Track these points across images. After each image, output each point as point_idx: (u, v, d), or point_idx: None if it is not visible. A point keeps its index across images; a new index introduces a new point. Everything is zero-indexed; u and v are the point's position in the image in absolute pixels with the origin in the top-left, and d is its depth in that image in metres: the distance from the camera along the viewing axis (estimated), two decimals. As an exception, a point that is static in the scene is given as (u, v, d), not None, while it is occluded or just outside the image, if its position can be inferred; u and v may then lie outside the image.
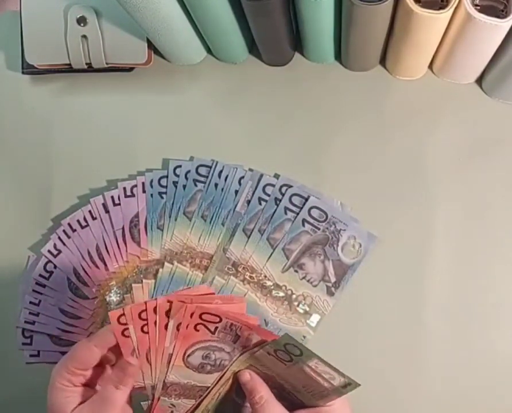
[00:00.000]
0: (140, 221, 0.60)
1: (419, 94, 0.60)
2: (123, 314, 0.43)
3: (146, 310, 0.43)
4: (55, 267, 0.60)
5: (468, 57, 0.55)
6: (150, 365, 0.46)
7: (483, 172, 0.58)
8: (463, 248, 0.57)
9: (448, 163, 0.59)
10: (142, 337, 0.44)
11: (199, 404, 0.48)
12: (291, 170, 0.59)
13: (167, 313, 0.43)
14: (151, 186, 0.60)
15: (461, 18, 0.49)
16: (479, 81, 0.60)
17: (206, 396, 0.48)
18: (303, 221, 0.58)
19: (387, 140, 0.60)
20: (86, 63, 0.62)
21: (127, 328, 0.44)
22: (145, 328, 0.44)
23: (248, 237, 0.58)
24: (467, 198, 0.58)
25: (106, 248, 0.60)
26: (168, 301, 0.43)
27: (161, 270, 0.59)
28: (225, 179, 0.60)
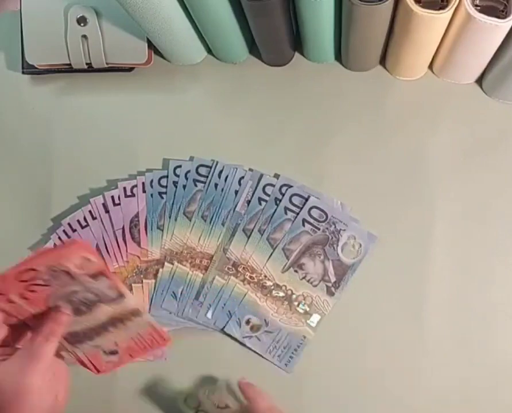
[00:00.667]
0: (140, 221, 0.60)
1: (419, 94, 0.60)
2: None
3: None
4: (55, 266, 0.60)
5: (468, 57, 0.55)
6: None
7: (483, 172, 0.58)
8: (463, 248, 0.57)
9: (448, 162, 0.59)
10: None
11: None
12: (291, 170, 0.59)
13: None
14: (151, 186, 0.60)
15: (461, 18, 0.49)
16: (479, 81, 0.60)
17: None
18: (303, 221, 0.58)
19: (387, 140, 0.60)
20: (86, 63, 0.62)
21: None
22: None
23: (248, 237, 0.58)
24: (467, 198, 0.58)
25: (106, 248, 0.60)
26: None
27: (160, 270, 0.59)
28: (225, 179, 0.60)
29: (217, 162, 0.60)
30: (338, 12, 0.53)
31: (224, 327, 0.57)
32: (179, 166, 0.61)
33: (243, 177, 0.60)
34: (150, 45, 0.61)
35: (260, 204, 0.59)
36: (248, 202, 0.59)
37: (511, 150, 0.59)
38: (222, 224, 0.59)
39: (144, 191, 0.60)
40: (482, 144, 0.59)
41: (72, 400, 0.59)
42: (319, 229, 0.58)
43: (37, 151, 0.64)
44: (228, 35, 0.58)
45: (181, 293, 0.58)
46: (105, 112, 0.64)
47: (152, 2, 0.51)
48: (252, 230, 0.58)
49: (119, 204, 0.60)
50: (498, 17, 0.48)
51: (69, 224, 0.60)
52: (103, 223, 0.60)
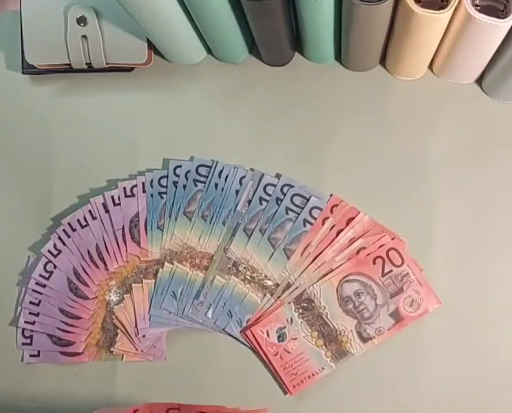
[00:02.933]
0: (140, 221, 0.60)
1: (419, 94, 0.60)
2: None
3: None
4: (55, 267, 0.60)
5: (468, 57, 0.55)
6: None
7: (483, 172, 0.58)
8: (463, 248, 0.57)
9: (448, 162, 0.59)
10: None
11: None
12: (292, 170, 0.59)
13: None
14: (151, 186, 0.60)
15: (461, 18, 0.49)
16: (479, 81, 0.60)
17: None
18: (305, 221, 0.58)
19: (387, 140, 0.60)
20: (86, 63, 0.62)
21: None
22: None
23: (249, 237, 0.58)
24: (467, 198, 0.58)
25: (106, 247, 0.60)
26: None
27: (160, 270, 0.59)
28: (225, 179, 0.60)
29: (217, 162, 0.60)
30: (338, 12, 0.53)
31: (225, 327, 0.57)
32: (179, 166, 0.61)
33: (243, 177, 0.60)
34: (150, 45, 0.61)
35: (261, 204, 0.59)
36: (249, 201, 0.59)
37: (510, 150, 0.59)
38: (223, 224, 0.59)
39: (144, 191, 0.60)
40: (482, 144, 0.59)
41: (72, 400, 0.59)
42: (319, 229, 0.58)
43: (37, 151, 0.64)
44: (228, 35, 0.58)
45: (181, 293, 0.58)
46: (105, 112, 0.64)
47: (153, 2, 0.51)
48: (253, 230, 0.58)
49: (119, 204, 0.60)
50: (498, 17, 0.48)
51: (69, 224, 0.60)
52: (102, 223, 0.60)
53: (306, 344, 0.55)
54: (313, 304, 0.54)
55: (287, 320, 0.55)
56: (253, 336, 0.56)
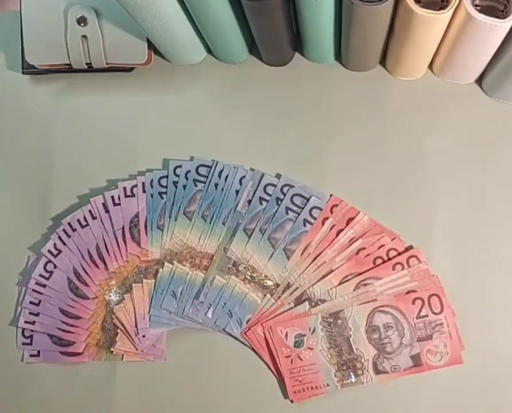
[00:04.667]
0: (140, 221, 0.60)
1: (419, 94, 0.60)
2: None
3: None
4: (55, 266, 0.60)
5: (468, 57, 0.55)
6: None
7: (483, 172, 0.58)
8: (463, 248, 0.57)
9: (448, 162, 0.59)
10: None
11: None
12: (293, 170, 0.59)
13: None
14: (151, 186, 0.60)
15: (461, 18, 0.49)
16: (479, 81, 0.60)
17: None
18: (305, 221, 0.58)
19: (387, 140, 0.60)
20: (86, 63, 0.62)
21: None
22: None
23: (249, 237, 0.58)
24: (467, 198, 0.58)
25: (106, 247, 0.60)
26: None
27: (160, 270, 0.59)
28: (226, 179, 0.60)
29: (217, 162, 0.60)
30: (338, 12, 0.53)
31: (225, 327, 0.57)
32: (179, 166, 0.61)
33: (244, 177, 0.60)
34: (150, 45, 0.61)
35: (261, 204, 0.59)
36: (249, 201, 0.59)
37: (510, 150, 0.59)
38: (223, 224, 0.59)
39: (144, 191, 0.60)
40: (482, 144, 0.59)
41: (72, 400, 0.59)
42: (319, 229, 0.58)
43: (37, 151, 0.64)
44: (228, 35, 0.58)
45: (181, 293, 0.58)
46: (105, 112, 0.64)
47: (153, 2, 0.51)
48: (253, 230, 0.58)
49: (119, 204, 0.60)
50: (498, 17, 0.48)
51: (69, 224, 0.60)
52: (103, 223, 0.60)
53: (319, 358, 0.55)
54: (341, 322, 0.54)
55: (309, 329, 0.55)
56: (270, 332, 0.56)
